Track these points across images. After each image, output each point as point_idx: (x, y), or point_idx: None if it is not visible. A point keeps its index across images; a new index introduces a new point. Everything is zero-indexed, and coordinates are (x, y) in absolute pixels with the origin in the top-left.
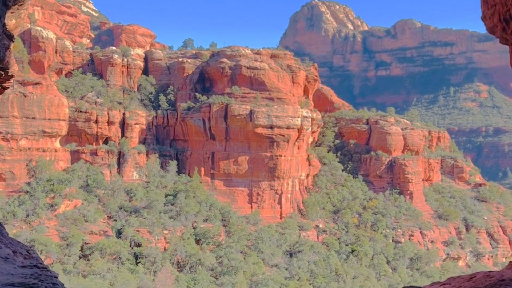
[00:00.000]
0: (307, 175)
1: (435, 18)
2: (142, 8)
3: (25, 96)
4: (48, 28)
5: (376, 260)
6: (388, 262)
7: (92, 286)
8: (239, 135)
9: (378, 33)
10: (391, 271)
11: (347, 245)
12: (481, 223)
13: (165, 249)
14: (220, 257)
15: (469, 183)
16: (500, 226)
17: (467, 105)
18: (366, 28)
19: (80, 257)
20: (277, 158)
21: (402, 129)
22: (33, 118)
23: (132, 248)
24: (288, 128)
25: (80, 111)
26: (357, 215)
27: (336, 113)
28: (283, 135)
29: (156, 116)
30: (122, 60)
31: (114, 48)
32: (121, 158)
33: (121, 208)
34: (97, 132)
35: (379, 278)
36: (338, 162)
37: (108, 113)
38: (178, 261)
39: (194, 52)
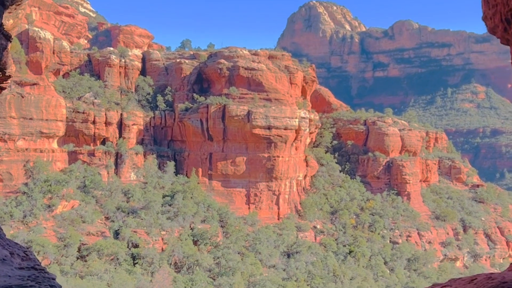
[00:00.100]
0: (305, 176)
1: (432, 19)
2: (139, 9)
3: (23, 97)
4: (45, 29)
5: (374, 261)
6: (385, 263)
7: (90, 287)
8: (237, 136)
9: (376, 34)
10: (388, 272)
11: (344, 246)
12: (478, 224)
13: (162, 250)
14: (218, 258)
15: (466, 184)
16: (497, 227)
17: (465, 106)
18: (364, 29)
19: (78, 258)
20: (275, 159)
21: (399, 130)
22: (31, 118)
23: (130, 249)
24: (285, 129)
25: (78, 112)
26: (354, 216)
27: (333, 114)
28: (281, 136)
29: (154, 117)
30: (120, 60)
31: (111, 48)
32: (118, 159)
33: (119, 209)
34: (94, 132)
35: (376, 279)
36: (336, 163)
37: (105, 114)
38: (175, 262)
39: (192, 52)
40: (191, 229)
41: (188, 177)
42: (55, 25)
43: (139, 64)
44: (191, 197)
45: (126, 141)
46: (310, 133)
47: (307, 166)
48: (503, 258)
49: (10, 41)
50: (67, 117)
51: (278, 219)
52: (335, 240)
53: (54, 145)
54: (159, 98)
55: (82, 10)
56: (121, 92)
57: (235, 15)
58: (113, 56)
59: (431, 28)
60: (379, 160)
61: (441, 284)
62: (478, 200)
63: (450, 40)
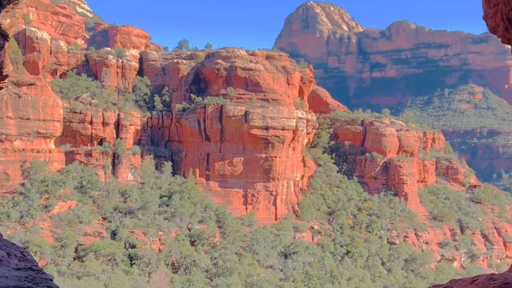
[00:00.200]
0: (302, 176)
1: (429, 20)
2: (137, 9)
3: (20, 97)
4: (42, 29)
5: (371, 261)
6: (383, 264)
7: (87, 287)
8: (234, 136)
9: (373, 34)
10: (386, 272)
11: (342, 246)
12: (475, 224)
13: (159, 250)
14: (215, 258)
15: (463, 185)
16: (494, 227)
17: (462, 106)
18: (361, 30)
19: (75, 259)
20: (272, 159)
21: (397, 130)
22: (28, 119)
23: (127, 249)
24: (283, 129)
25: (75, 112)
26: (352, 217)
27: (331, 114)
28: (278, 136)
29: (151, 117)
30: (117, 61)
31: (109, 49)
32: (115, 159)
33: (116, 209)
34: (91, 133)
35: (374, 279)
36: (333, 163)
37: (102, 114)
38: (172, 263)
39: (189, 53)
40: (188, 229)
41: (185, 178)
42: (52, 25)
43: (136, 64)
44: (188, 198)
45: (123, 142)
46: (308, 133)
47: (304, 166)
48: (500, 259)
49: (8, 40)
50: (64, 118)
51: (276, 219)
52: (333, 240)
53: (51, 145)
54: (156, 98)
55: (79, 10)
56: (118, 92)
57: (232, 16)
58: (110, 56)
59: (428, 28)
60: (376, 160)
61: (441, 285)
62: (475, 200)
63: (447, 40)
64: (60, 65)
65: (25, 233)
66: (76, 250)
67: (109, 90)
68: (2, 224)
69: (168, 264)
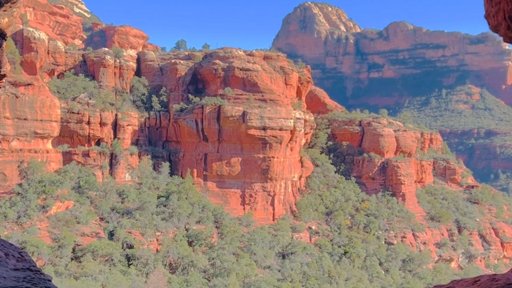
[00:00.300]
0: (300, 177)
1: (427, 20)
2: (134, 10)
3: (17, 97)
4: (40, 29)
5: (369, 261)
6: (380, 264)
7: None
8: (232, 137)
9: (371, 35)
10: (383, 272)
11: (339, 246)
12: (473, 224)
13: (157, 250)
14: (213, 258)
15: (461, 185)
16: (492, 227)
17: (459, 107)
18: (359, 30)
19: (72, 259)
20: (270, 160)
21: (394, 131)
22: (25, 119)
23: (124, 249)
24: (280, 129)
25: (72, 112)
26: (349, 217)
27: (328, 115)
28: (276, 137)
29: (149, 118)
30: (115, 61)
31: (106, 49)
32: (113, 160)
33: (113, 209)
34: (89, 133)
35: (371, 279)
36: (331, 163)
37: (100, 114)
38: (170, 263)
39: (186, 53)
40: (186, 230)
41: (183, 178)
42: (50, 26)
43: (134, 65)
44: (186, 198)
45: (120, 142)
46: (305, 133)
47: (302, 166)
48: (498, 259)
49: (5, 40)
50: (61, 118)
51: (273, 220)
52: (330, 241)
53: (49, 145)
54: (154, 98)
55: (77, 10)
56: (115, 92)
57: (230, 16)
58: (108, 57)
59: (426, 29)
60: (374, 161)
61: (443, 285)
62: (473, 201)
63: (444, 41)
64: (57, 65)
65: (22, 233)
66: (73, 251)
67: (107, 91)
68: (0, 224)
69: (165, 265)
